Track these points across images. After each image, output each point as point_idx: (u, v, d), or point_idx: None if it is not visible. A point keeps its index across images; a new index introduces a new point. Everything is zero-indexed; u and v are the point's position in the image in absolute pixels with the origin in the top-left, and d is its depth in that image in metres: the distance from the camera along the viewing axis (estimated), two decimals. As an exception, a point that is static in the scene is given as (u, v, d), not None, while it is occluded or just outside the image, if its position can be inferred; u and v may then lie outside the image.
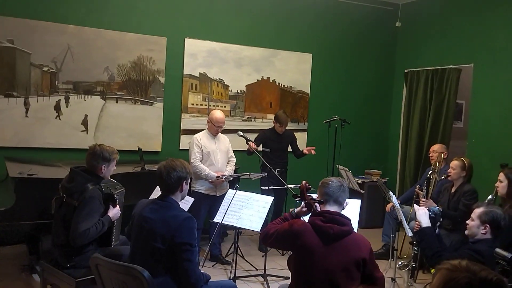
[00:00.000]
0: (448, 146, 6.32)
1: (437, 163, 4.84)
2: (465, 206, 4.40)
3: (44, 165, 4.65)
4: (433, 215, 3.37)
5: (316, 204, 2.62)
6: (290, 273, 4.49)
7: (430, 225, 3.29)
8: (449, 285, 1.37)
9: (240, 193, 4.03)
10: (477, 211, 3.11)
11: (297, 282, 2.57)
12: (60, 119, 5.38)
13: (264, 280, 4.45)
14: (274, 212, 5.44)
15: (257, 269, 4.76)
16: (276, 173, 4.52)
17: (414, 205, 3.31)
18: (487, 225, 3.08)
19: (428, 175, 4.56)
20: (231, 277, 4.32)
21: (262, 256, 5.13)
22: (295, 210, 2.77)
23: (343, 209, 2.66)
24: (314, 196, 2.71)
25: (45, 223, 3.91)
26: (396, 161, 7.14)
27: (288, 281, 4.50)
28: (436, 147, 5.44)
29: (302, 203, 2.70)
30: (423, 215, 3.27)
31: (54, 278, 3.44)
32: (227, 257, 4.98)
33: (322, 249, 2.50)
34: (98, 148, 3.45)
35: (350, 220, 2.61)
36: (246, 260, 4.81)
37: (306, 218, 2.70)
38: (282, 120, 5.45)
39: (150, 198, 4.02)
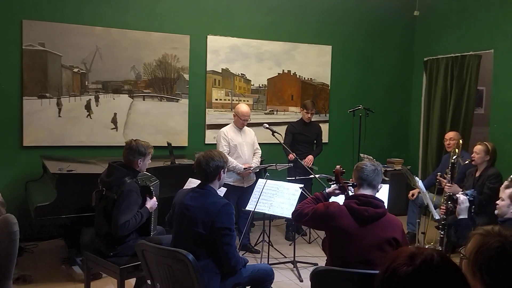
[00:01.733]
0: (470, 133, 6.39)
1: (456, 150, 4.90)
2: (490, 190, 4.48)
3: (79, 162, 4.85)
4: (472, 198, 3.44)
5: (350, 187, 2.75)
6: (318, 259, 4.66)
7: (466, 217, 3.34)
8: (482, 249, 1.47)
9: (270, 182, 4.18)
10: (508, 191, 3.18)
11: (333, 263, 2.69)
12: (91, 118, 5.58)
13: (294, 267, 4.59)
14: (299, 201, 5.58)
15: (285, 257, 4.91)
16: (303, 163, 4.64)
17: (460, 196, 3.36)
18: None
19: (452, 160, 4.64)
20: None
21: (290, 245, 5.29)
22: (327, 190, 2.90)
23: (377, 191, 2.77)
24: (348, 180, 2.83)
25: (85, 216, 4.10)
26: (418, 149, 7.20)
27: (317, 267, 4.67)
28: (451, 134, 5.49)
29: (335, 184, 2.83)
30: (464, 209, 3.32)
31: (98, 267, 3.63)
32: (256, 246, 5.13)
33: (357, 230, 2.62)
34: (134, 143, 3.62)
35: (383, 202, 2.73)
36: (275, 248, 4.95)
37: (337, 199, 2.83)
38: (309, 106, 5.60)
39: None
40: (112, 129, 5.69)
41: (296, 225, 5.42)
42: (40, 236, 5.26)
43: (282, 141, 4.86)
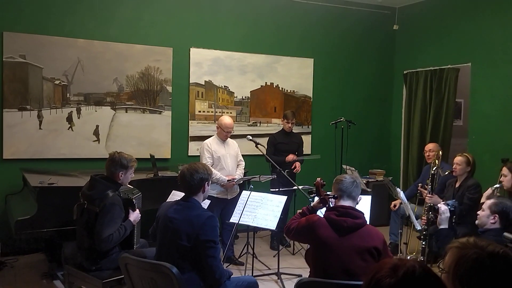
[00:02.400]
0: (449, 144, 6.51)
1: (436, 161, 5.00)
2: (470, 200, 4.56)
3: (60, 175, 4.79)
4: (453, 208, 3.50)
5: (331, 199, 2.78)
6: (302, 270, 4.67)
7: (447, 227, 3.39)
8: (461, 262, 1.49)
9: (254, 193, 4.19)
10: (488, 202, 3.27)
11: (316, 274, 2.72)
12: (72, 130, 5.53)
13: (278, 278, 4.59)
14: (283, 211, 5.63)
15: (270, 269, 4.90)
16: (285, 174, 4.67)
17: (441, 206, 3.42)
18: (496, 215, 3.22)
19: (433, 171, 4.72)
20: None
21: (274, 256, 5.29)
22: (311, 204, 2.94)
23: (357, 203, 2.82)
24: (329, 192, 2.87)
25: (66, 230, 4.05)
26: (399, 160, 7.30)
27: (301, 279, 4.67)
28: (431, 145, 5.61)
29: (317, 198, 2.87)
30: (445, 219, 3.38)
31: (80, 281, 3.58)
32: (240, 258, 5.12)
33: (336, 240, 2.66)
34: (117, 155, 3.60)
35: (363, 213, 2.77)
36: (259, 260, 4.95)
37: (322, 212, 2.86)
38: (289, 116, 5.72)
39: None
40: (94, 141, 5.65)
41: (280, 236, 5.44)
42: (21, 250, 5.16)
43: (265, 153, 4.88)
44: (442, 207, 3.43)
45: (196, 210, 2.91)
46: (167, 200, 4.21)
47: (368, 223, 3.20)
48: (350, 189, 2.78)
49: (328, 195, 2.82)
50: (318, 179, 2.86)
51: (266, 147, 5.55)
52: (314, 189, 2.87)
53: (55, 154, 5.44)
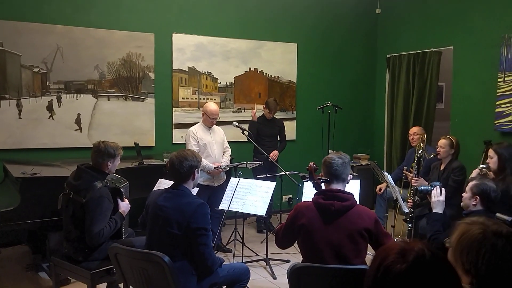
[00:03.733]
0: (432, 127, 6.57)
1: (421, 144, 5.04)
2: (455, 182, 4.62)
3: (42, 165, 4.68)
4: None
5: (323, 182, 2.76)
6: (290, 256, 4.68)
7: (441, 212, 3.37)
8: (464, 235, 1.51)
9: (243, 180, 4.16)
10: (470, 183, 3.28)
11: (308, 260, 2.70)
12: (53, 119, 5.40)
13: (266, 264, 4.60)
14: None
15: (258, 255, 4.91)
16: (273, 161, 4.65)
17: (433, 192, 3.40)
18: (477, 197, 3.21)
19: (418, 155, 4.75)
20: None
21: (261, 242, 5.31)
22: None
23: (347, 183, 2.80)
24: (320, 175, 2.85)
25: (51, 220, 3.97)
26: (383, 144, 7.36)
27: (288, 264, 4.69)
28: (415, 129, 5.62)
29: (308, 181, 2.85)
30: (439, 204, 3.38)
31: (67, 273, 3.53)
32: (228, 245, 5.11)
33: (324, 225, 2.63)
34: (103, 145, 3.51)
35: (352, 194, 2.74)
36: (247, 247, 4.94)
37: None
38: (272, 107, 5.70)
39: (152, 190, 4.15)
40: (76, 130, 5.53)
41: (267, 222, 5.44)
42: (2, 243, 5.05)
43: (252, 139, 4.85)
44: (434, 191, 3.43)
45: (186, 197, 2.87)
46: (154, 189, 4.17)
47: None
48: (339, 171, 2.74)
49: (321, 179, 2.80)
50: (311, 163, 2.83)
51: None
52: (307, 175, 2.85)
53: (36, 144, 5.31)
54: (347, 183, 2.81)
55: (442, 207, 3.37)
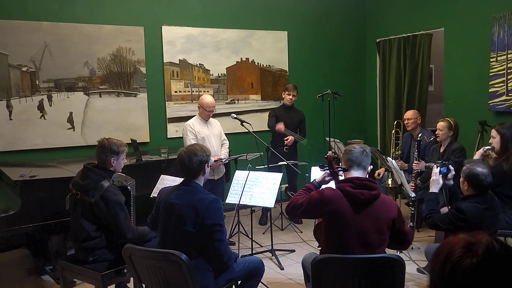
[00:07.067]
0: (425, 110, 6.59)
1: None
2: (456, 164, 4.59)
3: (39, 167, 4.56)
4: (446, 171, 3.39)
5: (341, 172, 2.74)
6: (294, 245, 4.67)
7: (436, 192, 3.36)
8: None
9: (250, 172, 4.12)
10: (463, 168, 3.26)
11: (330, 248, 2.67)
12: (45, 119, 5.27)
13: (273, 255, 4.58)
14: (290, 187, 5.74)
15: (262, 246, 4.88)
16: (275, 151, 4.61)
17: (434, 170, 3.37)
18: (466, 181, 3.19)
19: (419, 138, 4.76)
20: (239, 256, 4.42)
21: (263, 233, 5.29)
22: (317, 180, 2.90)
23: (368, 173, 2.79)
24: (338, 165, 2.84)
25: (53, 223, 3.88)
26: (376, 129, 7.37)
27: (293, 254, 4.68)
28: (410, 113, 5.54)
29: (323, 172, 2.83)
30: (436, 184, 3.36)
31: (75, 275, 3.45)
32: (231, 238, 5.07)
33: (353, 214, 2.62)
34: (106, 142, 3.43)
35: (377, 183, 2.74)
36: (251, 239, 4.91)
37: (328, 186, 2.83)
38: (290, 87, 5.69)
39: (155, 187, 4.09)
40: (68, 129, 5.41)
41: (269, 213, 5.41)
42: (1, 248, 4.93)
43: (252, 130, 4.79)
44: (435, 169, 3.41)
45: (198, 194, 2.82)
46: (156, 186, 4.11)
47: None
48: (360, 159, 2.74)
49: (339, 167, 2.78)
50: (330, 152, 2.82)
51: (267, 120, 5.69)
52: (325, 164, 2.82)
53: (29, 145, 5.18)
54: (368, 173, 2.79)
55: (438, 186, 3.36)
